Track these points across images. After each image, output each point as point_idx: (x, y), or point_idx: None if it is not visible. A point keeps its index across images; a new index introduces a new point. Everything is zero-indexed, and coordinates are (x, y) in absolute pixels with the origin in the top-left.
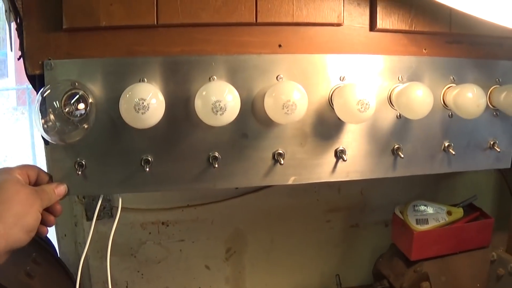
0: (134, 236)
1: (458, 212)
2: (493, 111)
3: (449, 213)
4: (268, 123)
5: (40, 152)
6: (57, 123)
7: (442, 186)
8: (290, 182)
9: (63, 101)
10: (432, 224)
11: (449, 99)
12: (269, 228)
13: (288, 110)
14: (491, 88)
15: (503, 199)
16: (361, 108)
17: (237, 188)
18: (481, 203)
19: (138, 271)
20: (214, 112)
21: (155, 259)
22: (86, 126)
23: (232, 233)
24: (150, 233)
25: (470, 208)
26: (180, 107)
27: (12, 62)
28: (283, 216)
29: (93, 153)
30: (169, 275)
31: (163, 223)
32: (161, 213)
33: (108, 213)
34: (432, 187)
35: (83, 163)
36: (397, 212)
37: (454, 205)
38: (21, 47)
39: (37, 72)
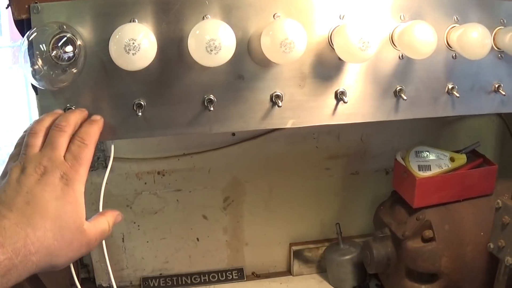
0: (130, 187)
1: (461, 159)
2: (498, 53)
3: (452, 159)
4: (265, 63)
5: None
6: (44, 67)
7: (443, 133)
8: (288, 125)
9: (50, 44)
10: (435, 171)
11: (453, 39)
12: (267, 176)
13: (286, 49)
14: (496, 29)
15: (505, 146)
16: (363, 46)
17: (234, 134)
18: (483, 150)
19: (134, 223)
20: (208, 51)
21: (151, 210)
22: (75, 70)
23: (229, 182)
24: (145, 183)
25: (473, 155)
26: (173, 48)
27: (6, 20)
28: (282, 164)
29: (83, 98)
30: (166, 226)
31: (159, 173)
32: (156, 162)
33: (102, 163)
34: (433, 133)
35: (73, 109)
36: (399, 158)
37: (457, 151)
38: None
39: (24, 16)
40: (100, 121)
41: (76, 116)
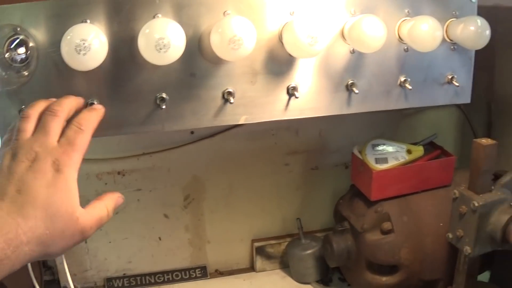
0: (90, 188)
1: (418, 151)
2: (451, 44)
3: (409, 151)
4: (216, 61)
5: None
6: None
7: (402, 126)
8: (241, 121)
9: (5, 47)
10: (391, 163)
11: (404, 32)
12: (227, 173)
13: (235, 45)
14: (448, 21)
15: (465, 137)
16: (311, 41)
17: (192, 133)
18: (443, 142)
19: None
20: (157, 50)
21: None
22: (26, 73)
23: (189, 180)
24: (106, 183)
25: (431, 147)
26: (124, 48)
27: None
28: (241, 161)
29: (38, 99)
30: (128, 226)
31: (119, 173)
32: (116, 163)
33: None
34: (392, 127)
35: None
36: (356, 152)
37: (414, 144)
38: None
39: None
40: (101, 110)
41: (71, 102)
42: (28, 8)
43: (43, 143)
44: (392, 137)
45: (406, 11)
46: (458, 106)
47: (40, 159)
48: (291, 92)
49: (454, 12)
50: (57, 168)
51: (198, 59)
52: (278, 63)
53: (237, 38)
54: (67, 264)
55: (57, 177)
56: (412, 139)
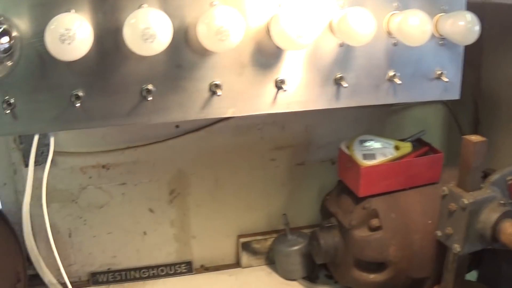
0: (75, 181)
1: (406, 147)
2: (439, 39)
3: (396, 148)
4: (203, 52)
5: None
6: None
7: (389, 122)
8: (228, 114)
9: None
10: (379, 159)
11: (393, 26)
12: (213, 168)
13: (222, 36)
14: (437, 16)
15: (451, 134)
16: (299, 33)
17: (177, 126)
18: (430, 138)
19: (81, 217)
20: (143, 40)
21: (97, 204)
22: (10, 63)
23: (175, 174)
24: (90, 177)
25: (418, 143)
26: (110, 38)
27: None
28: (227, 156)
29: (21, 90)
30: (113, 220)
31: (103, 166)
32: (100, 156)
33: (46, 158)
34: (379, 123)
35: (11, 101)
36: (343, 148)
37: (402, 140)
38: None
39: None
40: None
41: None
42: None
43: None
44: (379, 133)
45: (395, 4)
46: (444, 103)
47: None
48: (279, 85)
49: (443, 7)
50: None
51: (185, 50)
52: (266, 56)
53: (224, 29)
54: (50, 259)
55: None
56: (399, 135)
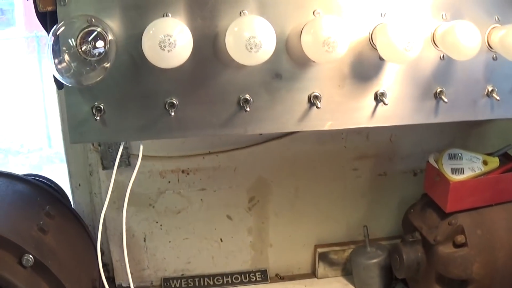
0: (153, 185)
1: (494, 162)
2: None
3: (485, 162)
4: (303, 62)
5: (51, 100)
6: (72, 64)
7: (473, 134)
8: (326, 127)
9: (79, 39)
10: (468, 174)
11: (495, 40)
12: (293, 176)
13: (329, 48)
14: None
15: None
16: (407, 46)
17: (260, 133)
18: None
19: (157, 222)
20: (248, 49)
21: (175, 209)
22: (106, 66)
23: (255, 182)
24: (169, 182)
25: (505, 158)
26: (208, 45)
27: (20, 11)
28: (308, 164)
29: (112, 96)
30: (189, 226)
31: (183, 171)
32: (181, 161)
33: (125, 161)
34: (463, 134)
35: (102, 107)
36: (431, 161)
37: (489, 154)
38: None
39: (49, 8)
40: None
41: None
42: None
43: None
44: (463, 145)
45: (496, 17)
46: None
47: None
48: (379, 98)
49: None
50: None
51: (285, 59)
52: (367, 67)
53: (332, 40)
54: (123, 262)
55: None
56: (482, 147)
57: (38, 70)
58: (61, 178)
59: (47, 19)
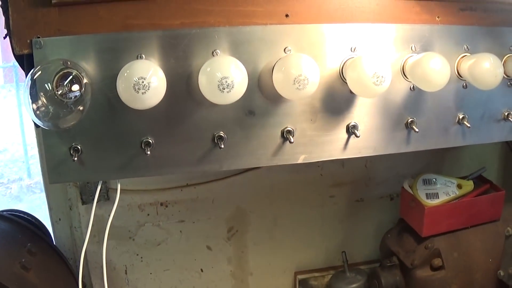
0: (132, 219)
1: (468, 185)
2: (508, 81)
3: (459, 186)
4: (275, 98)
5: (29, 130)
6: (49, 107)
7: (447, 157)
8: (300, 161)
9: (54, 82)
10: (442, 198)
11: (464, 69)
12: (271, 205)
13: (299, 85)
14: (505, 57)
15: (509, 169)
16: (377, 81)
17: None
18: (488, 173)
19: (137, 254)
20: (220, 89)
21: (155, 242)
22: (81, 108)
23: (233, 212)
24: (148, 214)
25: (479, 180)
26: (181, 84)
27: None
28: (286, 193)
29: (89, 137)
30: (170, 258)
31: (161, 204)
32: (159, 194)
33: (104, 195)
34: (437, 158)
35: (79, 148)
36: (406, 187)
37: (463, 178)
38: (7, 25)
39: (26, 51)
40: None
41: None
42: (79, 40)
43: None
44: (437, 169)
45: (465, 46)
46: None
47: None
48: (351, 130)
49: (511, 48)
50: None
51: (257, 96)
52: (338, 101)
53: (303, 77)
54: None
55: None
56: (457, 170)
57: (16, 100)
58: (42, 209)
59: (24, 61)
